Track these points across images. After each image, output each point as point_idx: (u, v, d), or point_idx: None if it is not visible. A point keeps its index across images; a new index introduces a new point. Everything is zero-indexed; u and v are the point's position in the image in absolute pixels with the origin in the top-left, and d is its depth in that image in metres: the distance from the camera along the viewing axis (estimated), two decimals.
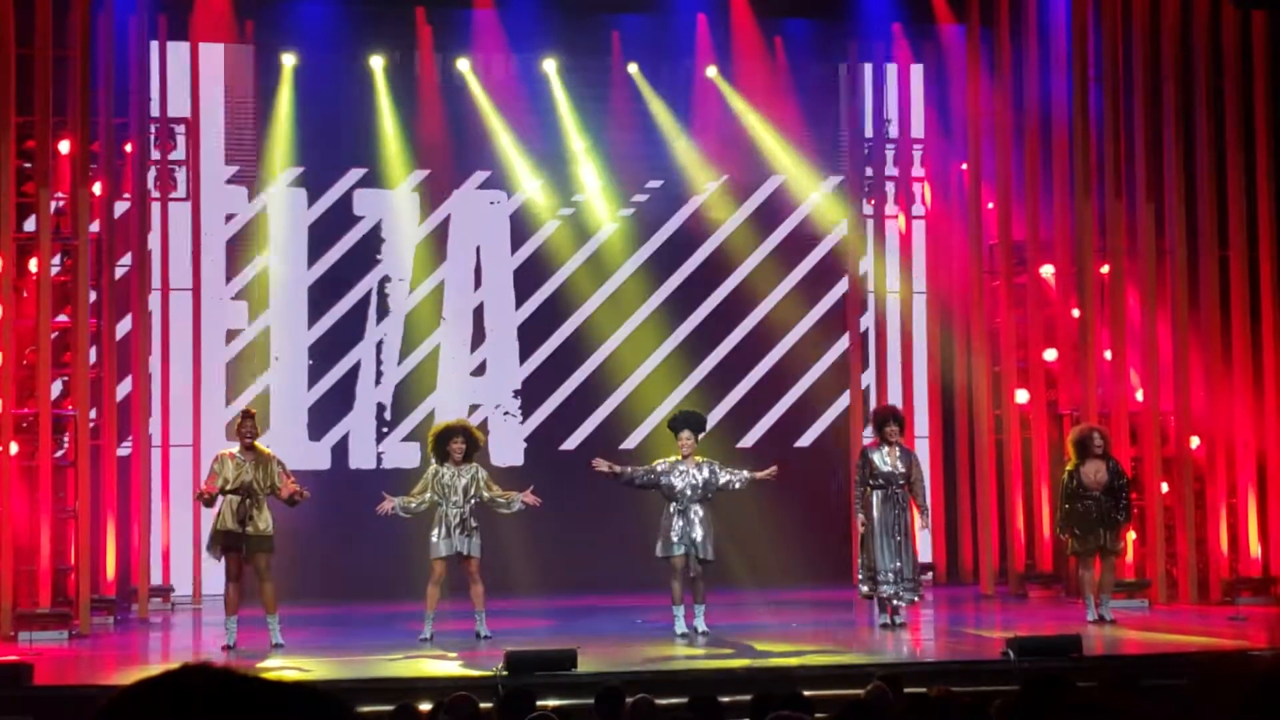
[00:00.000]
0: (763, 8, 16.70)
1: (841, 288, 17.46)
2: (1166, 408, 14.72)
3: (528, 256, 17.10)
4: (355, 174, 16.78)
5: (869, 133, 17.53)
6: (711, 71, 17.18)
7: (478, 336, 17.01)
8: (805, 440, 17.25)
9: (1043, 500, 15.25)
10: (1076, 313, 15.19)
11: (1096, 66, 15.06)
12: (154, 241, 15.55)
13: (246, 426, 12.22)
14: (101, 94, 14.19)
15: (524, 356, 17.06)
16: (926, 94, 17.39)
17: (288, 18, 16.09)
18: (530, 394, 17.05)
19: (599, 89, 17.15)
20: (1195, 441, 14.70)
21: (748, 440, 17.02)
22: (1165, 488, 14.64)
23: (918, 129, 17.47)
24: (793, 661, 10.81)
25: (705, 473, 12.62)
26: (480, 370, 16.99)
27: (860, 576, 12.97)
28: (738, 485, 12.72)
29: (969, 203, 16.36)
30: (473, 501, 12.45)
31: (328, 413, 16.68)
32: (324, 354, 16.72)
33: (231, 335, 16.49)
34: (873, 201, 17.58)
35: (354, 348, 16.78)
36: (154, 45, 15.61)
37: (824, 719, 7.31)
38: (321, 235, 16.75)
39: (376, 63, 16.64)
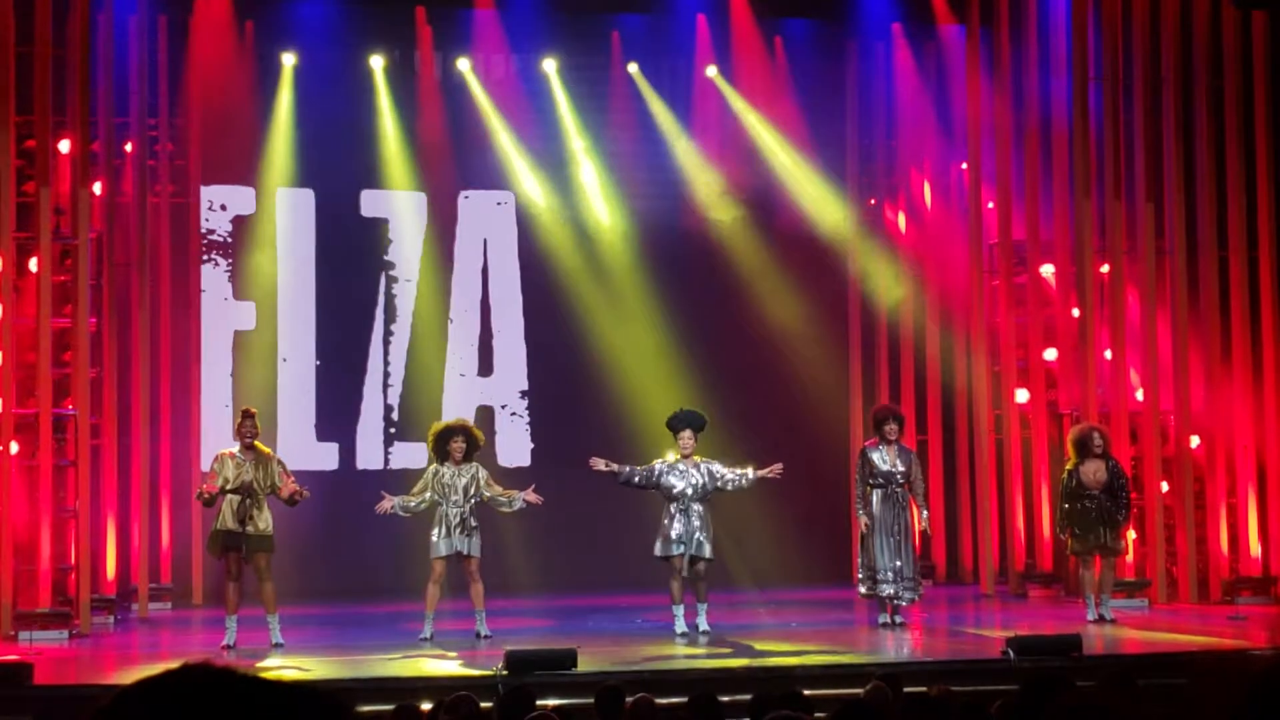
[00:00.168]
0: (763, 8, 16.70)
1: (841, 288, 17.46)
2: (1166, 407, 14.72)
3: (530, 256, 17.10)
4: (358, 175, 16.77)
5: (869, 133, 17.53)
6: (711, 71, 17.17)
7: (485, 337, 17.02)
8: (805, 440, 17.23)
9: (1043, 500, 15.26)
10: (1076, 312, 15.18)
11: (1096, 67, 15.06)
12: (154, 242, 15.54)
13: (247, 426, 12.21)
14: (101, 94, 14.19)
15: (531, 357, 17.06)
16: (926, 94, 17.38)
17: (287, 18, 16.10)
18: (535, 395, 17.04)
19: (599, 89, 17.15)
20: (1195, 441, 14.71)
21: (747, 440, 16.98)
22: (1165, 487, 14.65)
23: (918, 129, 17.47)
24: (792, 661, 10.81)
25: (705, 472, 12.58)
26: (488, 370, 17.01)
27: (860, 576, 12.98)
28: (743, 484, 12.66)
29: (969, 203, 16.36)
30: (473, 501, 12.45)
31: (335, 413, 16.68)
32: (331, 355, 16.72)
33: (239, 336, 16.49)
34: (873, 201, 17.59)
35: (361, 348, 16.77)
36: (154, 45, 15.61)
37: (823, 718, 7.31)
38: (327, 236, 16.74)
39: (376, 63, 16.65)
